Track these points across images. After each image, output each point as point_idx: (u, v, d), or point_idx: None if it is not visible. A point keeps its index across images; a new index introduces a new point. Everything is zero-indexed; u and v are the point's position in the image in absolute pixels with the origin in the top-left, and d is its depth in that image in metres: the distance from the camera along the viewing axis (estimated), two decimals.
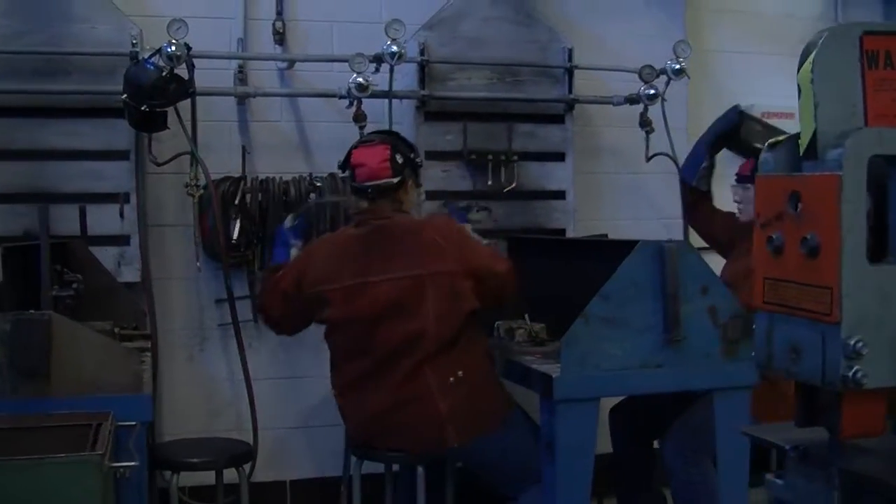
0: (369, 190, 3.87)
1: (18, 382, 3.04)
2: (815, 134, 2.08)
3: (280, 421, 5.04)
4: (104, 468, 2.48)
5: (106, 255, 4.53)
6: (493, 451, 3.78)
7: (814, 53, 2.06)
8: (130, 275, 4.65)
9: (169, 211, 4.97)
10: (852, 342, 2.08)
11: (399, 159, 3.88)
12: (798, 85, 2.14)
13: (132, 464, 2.49)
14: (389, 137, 4.02)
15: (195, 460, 4.01)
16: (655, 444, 4.60)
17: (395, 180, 3.86)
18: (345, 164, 4.00)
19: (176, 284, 4.98)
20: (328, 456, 4.99)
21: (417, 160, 4.03)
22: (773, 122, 5.96)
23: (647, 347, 3.64)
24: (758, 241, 2.13)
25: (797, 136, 2.15)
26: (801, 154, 2.11)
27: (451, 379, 3.70)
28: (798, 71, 2.14)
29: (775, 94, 6.18)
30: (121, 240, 4.65)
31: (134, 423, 3.03)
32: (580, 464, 3.57)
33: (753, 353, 2.26)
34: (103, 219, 4.57)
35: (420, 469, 3.87)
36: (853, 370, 2.07)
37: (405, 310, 3.72)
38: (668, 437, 4.26)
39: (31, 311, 3.08)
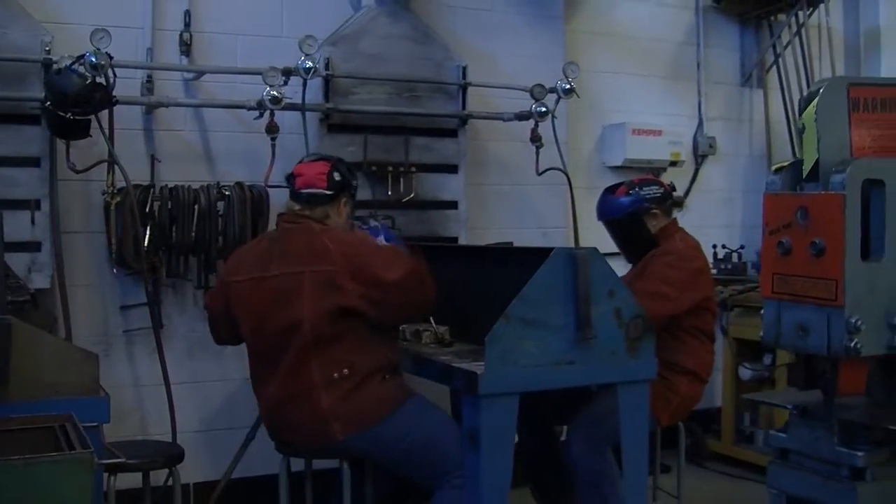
0: (302, 195, 4.08)
1: None
2: (817, 162, 2.80)
3: (187, 425, 5.10)
4: (94, 466, 2.57)
5: (16, 262, 4.51)
6: (383, 443, 3.94)
7: (817, 99, 2.94)
8: (41, 281, 4.65)
9: (73, 218, 4.97)
10: (853, 320, 3.00)
11: (336, 177, 4.11)
12: (803, 123, 2.75)
13: (120, 460, 2.60)
14: (332, 159, 4.23)
15: (132, 461, 4.06)
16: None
17: (328, 192, 4.08)
18: (289, 177, 4.19)
19: (81, 291, 4.98)
20: (228, 458, 5.10)
21: (353, 183, 4.23)
22: (643, 138, 6.45)
23: (561, 345, 3.89)
24: (767, 245, 2.88)
25: (796, 162, 2.86)
26: (804, 177, 2.89)
27: (336, 375, 3.87)
28: (801, 113, 2.78)
29: (644, 112, 6.67)
30: (31, 246, 4.65)
31: (95, 423, 3.14)
32: (502, 455, 3.79)
33: (762, 334, 2.96)
34: (13, 225, 4.53)
35: (345, 465, 4.04)
36: (854, 342, 3.00)
37: (285, 302, 3.91)
38: (572, 429, 4.56)
39: None
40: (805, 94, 6.71)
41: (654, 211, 4.80)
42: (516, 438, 3.92)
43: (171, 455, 4.36)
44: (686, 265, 4.65)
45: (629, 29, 6.76)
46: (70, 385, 3.19)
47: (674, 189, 5.03)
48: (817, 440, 3.33)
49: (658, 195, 4.83)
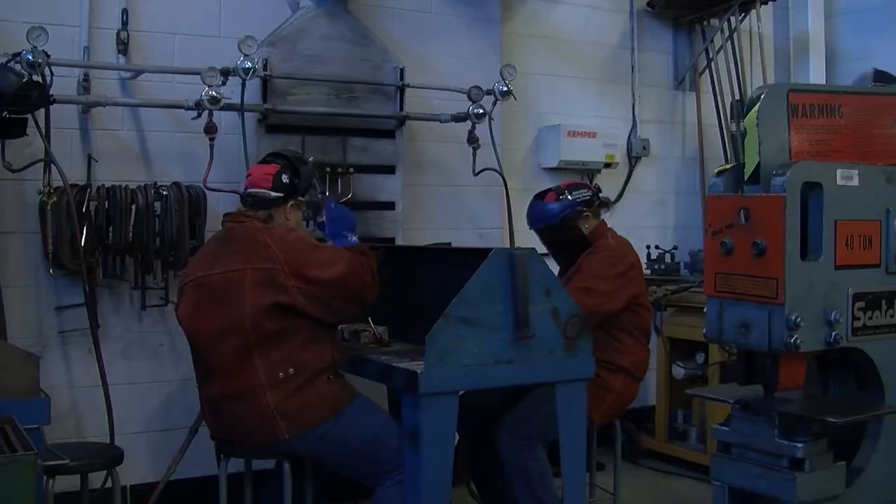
0: (247, 196, 4.08)
1: None
2: (758, 165, 2.94)
3: (124, 426, 5.06)
4: (38, 468, 2.56)
5: None
6: (329, 443, 3.96)
7: (758, 104, 3.12)
8: None
9: (8, 218, 4.92)
10: (793, 317, 3.17)
11: (284, 179, 4.11)
12: (745, 127, 2.90)
13: (63, 461, 2.58)
14: (284, 160, 4.21)
15: (70, 463, 4.02)
16: None
17: (273, 195, 4.09)
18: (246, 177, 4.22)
19: (14, 293, 4.91)
20: (166, 459, 5.07)
21: (305, 187, 4.22)
22: (577, 140, 6.53)
23: (499, 345, 3.94)
24: (709, 246, 3.01)
25: (737, 166, 3.01)
26: (745, 179, 3.05)
27: (281, 374, 3.88)
28: (743, 118, 2.93)
29: (579, 115, 6.76)
30: None
31: (36, 425, 3.12)
32: (443, 453, 3.84)
33: (704, 331, 3.11)
34: None
35: (286, 465, 4.06)
36: (794, 338, 3.18)
37: (227, 300, 3.92)
38: (501, 426, 4.60)
39: None
40: (737, 97, 6.92)
41: (586, 213, 4.89)
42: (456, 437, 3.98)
43: (110, 456, 4.33)
44: (620, 261, 4.74)
45: (565, 32, 6.84)
46: (9, 387, 3.16)
47: (599, 190, 5.12)
48: (758, 433, 3.47)
49: (587, 197, 4.91)
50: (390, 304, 4.43)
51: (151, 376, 5.28)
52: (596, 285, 4.61)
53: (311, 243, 4.06)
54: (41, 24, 4.46)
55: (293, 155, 4.27)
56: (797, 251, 3.22)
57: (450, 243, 5.19)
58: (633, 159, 7.13)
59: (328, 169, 5.34)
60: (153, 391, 5.30)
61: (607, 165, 6.82)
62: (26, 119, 4.32)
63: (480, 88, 5.59)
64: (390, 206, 5.62)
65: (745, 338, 3.33)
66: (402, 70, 5.58)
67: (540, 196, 5.01)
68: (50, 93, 4.40)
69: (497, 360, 3.94)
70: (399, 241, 5.59)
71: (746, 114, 3.20)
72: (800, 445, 3.37)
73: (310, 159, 4.38)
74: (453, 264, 4.43)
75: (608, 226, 5.00)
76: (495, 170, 5.81)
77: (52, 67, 4.51)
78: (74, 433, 5.04)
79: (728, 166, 3.35)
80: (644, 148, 7.12)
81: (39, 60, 4.28)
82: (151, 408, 5.30)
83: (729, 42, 7.13)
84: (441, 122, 5.78)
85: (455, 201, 6.17)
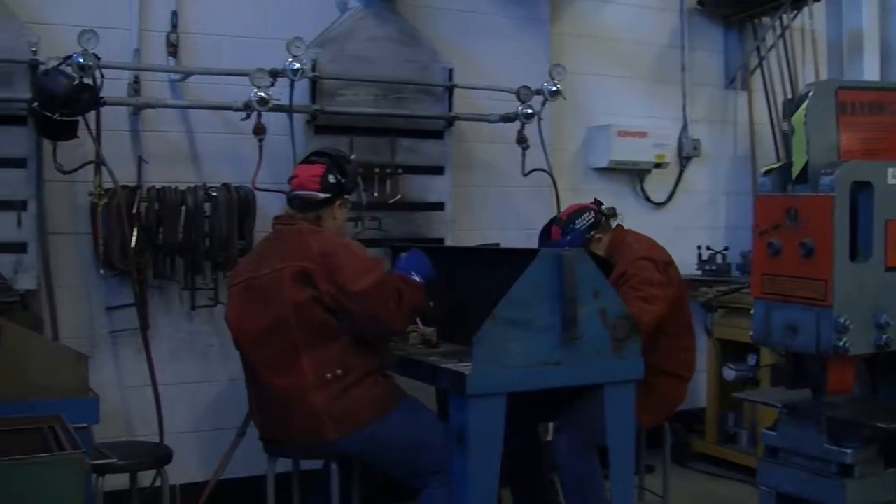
0: (295, 199, 4.08)
1: None
2: (806, 164, 2.85)
3: (173, 426, 5.09)
4: (85, 467, 2.58)
5: (2, 263, 4.52)
6: (376, 444, 3.95)
7: (806, 102, 2.96)
8: (27, 282, 4.65)
9: (60, 219, 4.97)
10: (842, 320, 3.08)
11: (331, 179, 4.11)
12: (792, 126, 2.80)
13: (110, 461, 2.60)
14: (329, 159, 4.20)
15: (118, 462, 4.06)
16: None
17: (321, 196, 4.09)
18: (291, 178, 4.21)
19: (66, 293, 4.98)
20: (215, 459, 5.09)
21: (352, 184, 4.23)
22: (627, 140, 6.48)
23: (547, 346, 3.92)
24: (757, 246, 2.91)
25: (785, 165, 2.91)
26: (793, 179, 2.93)
27: (329, 375, 3.87)
28: (791, 116, 2.84)
29: (629, 114, 6.70)
30: (17, 247, 4.64)
31: (84, 424, 3.14)
32: (489, 454, 3.82)
33: (751, 333, 3.02)
34: None
35: (333, 465, 4.06)
36: (842, 341, 3.09)
37: (270, 299, 3.94)
38: (559, 431, 4.57)
39: None
40: (789, 96, 6.81)
41: (597, 236, 4.81)
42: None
43: (160, 456, 4.37)
44: (657, 264, 4.66)
45: (614, 31, 6.79)
46: (59, 386, 3.19)
47: (601, 203, 4.96)
48: (806, 438, 3.40)
49: (591, 221, 4.81)
50: (439, 304, 4.42)
51: (201, 376, 5.32)
52: (651, 292, 4.54)
53: (353, 251, 4.01)
54: (92, 28, 4.51)
55: (337, 153, 4.27)
56: (846, 252, 3.14)
57: (498, 244, 5.18)
58: (684, 159, 7.06)
59: (377, 170, 5.36)
60: (203, 391, 5.34)
61: (657, 165, 6.76)
62: (77, 121, 4.37)
63: (529, 88, 5.57)
64: (439, 206, 5.61)
65: (792, 340, 3.25)
66: (450, 70, 5.57)
67: (546, 235, 4.94)
68: (100, 95, 4.44)
69: (545, 362, 3.93)
70: (448, 242, 5.58)
71: (794, 112, 3.12)
72: (849, 451, 3.29)
73: (352, 157, 4.37)
74: (502, 265, 4.41)
75: (626, 227, 4.93)
76: (544, 170, 5.79)
77: (103, 70, 4.56)
78: (125, 432, 5.08)
79: (776, 165, 3.25)
80: (695, 148, 7.05)
81: (90, 63, 4.33)
82: (201, 408, 5.34)
83: (781, 40, 7.04)
84: (490, 122, 5.77)
85: (504, 202, 6.15)
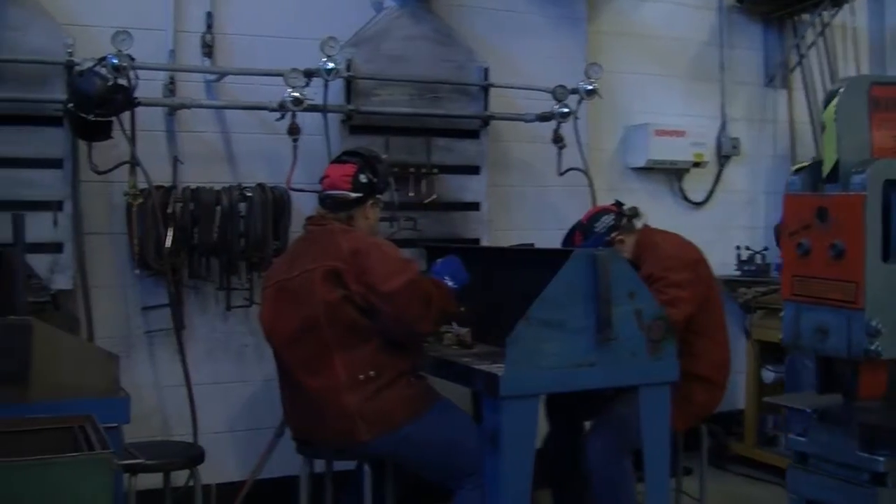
0: (326, 199, 4.07)
1: None
2: (837, 162, 2.71)
3: (209, 426, 5.11)
4: (113, 466, 2.57)
5: (38, 263, 4.53)
6: (409, 445, 3.93)
7: (836, 98, 2.78)
8: (63, 282, 4.68)
9: (95, 219, 4.99)
10: (873, 323, 2.95)
11: (363, 178, 4.10)
12: (822, 123, 2.68)
13: (138, 461, 2.60)
14: (360, 158, 4.18)
15: (153, 462, 4.08)
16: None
17: (353, 195, 4.08)
18: (322, 178, 4.21)
19: (102, 293, 4.99)
20: (251, 458, 5.12)
21: (383, 184, 4.21)
22: (665, 139, 6.42)
23: (581, 347, 3.88)
24: (787, 246, 2.75)
25: (816, 163, 2.77)
26: (824, 178, 2.77)
27: (362, 376, 3.86)
28: (823, 110, 2.71)
29: (666, 113, 6.63)
30: (53, 247, 4.67)
31: (115, 424, 3.14)
32: (523, 456, 3.79)
33: (781, 336, 2.87)
34: (34, 227, 4.52)
35: (366, 467, 4.05)
36: (874, 345, 2.95)
37: (302, 300, 3.92)
38: (592, 434, 4.53)
39: (12, 318, 3.13)
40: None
41: (619, 238, 4.73)
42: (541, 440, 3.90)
43: (192, 456, 4.39)
44: (685, 263, 4.59)
45: (651, 29, 6.73)
46: (90, 386, 3.19)
47: (622, 204, 4.87)
48: (837, 444, 3.28)
49: (612, 223, 4.74)
50: (474, 305, 4.39)
51: (236, 376, 5.33)
52: (677, 294, 4.47)
53: (384, 251, 3.98)
54: (128, 29, 4.53)
55: (368, 152, 4.25)
56: (878, 253, 3.00)
57: (533, 244, 5.13)
58: (723, 158, 6.99)
59: (412, 170, 5.34)
60: (238, 391, 5.34)
61: (696, 165, 6.69)
62: (111, 122, 4.39)
63: (565, 87, 5.53)
64: (475, 206, 5.58)
65: (822, 344, 3.11)
66: (486, 70, 5.54)
67: (570, 240, 4.87)
68: (134, 96, 4.45)
69: (579, 363, 3.89)
70: (484, 242, 5.56)
71: (825, 108, 3.01)
72: (881, 459, 3.15)
73: (384, 156, 4.35)
74: (536, 265, 4.37)
75: (650, 227, 4.86)
76: (580, 169, 5.74)
77: (138, 71, 4.57)
78: (161, 432, 5.10)
79: (806, 163, 3.11)
80: (734, 147, 6.97)
81: (124, 64, 4.35)
82: (236, 407, 5.35)
83: (821, 37, 6.94)
84: (526, 121, 5.74)
85: (541, 202, 6.11)
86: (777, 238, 5.40)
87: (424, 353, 4.23)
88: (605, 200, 5.70)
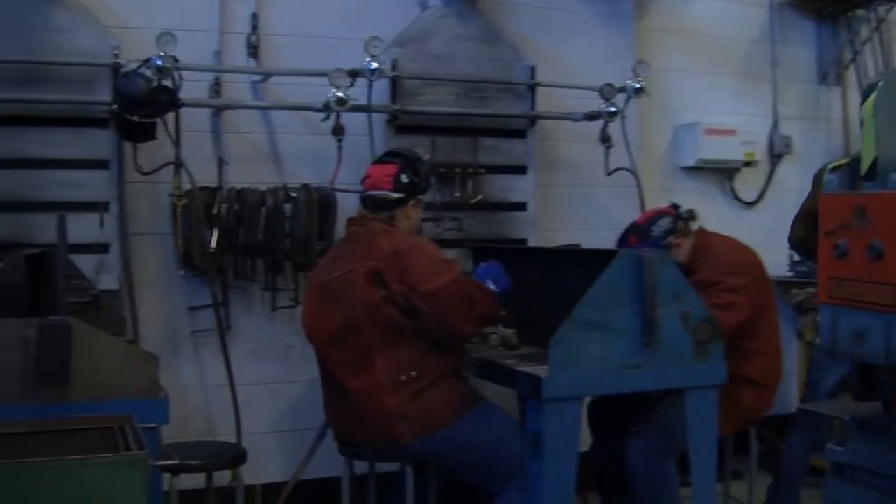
0: (367, 199, 4.06)
1: (39, 387, 3.11)
2: (876, 159, 2.55)
3: (254, 426, 5.12)
4: (148, 467, 2.57)
5: (84, 264, 4.55)
6: (450, 447, 3.90)
7: (875, 93, 2.59)
8: (109, 283, 4.70)
9: (139, 220, 5.02)
10: None
11: (404, 179, 4.07)
12: (861, 118, 2.55)
13: (173, 462, 2.60)
14: (402, 159, 4.16)
15: (193, 462, 4.08)
16: None
17: (394, 196, 4.06)
18: (364, 178, 4.19)
19: (148, 293, 5.02)
20: (295, 459, 5.12)
21: (425, 184, 4.18)
22: (716, 138, 6.32)
23: (626, 349, 3.83)
24: (823, 247, 2.61)
25: (854, 160, 2.62)
26: (862, 175, 2.61)
27: (403, 377, 3.83)
28: (861, 105, 2.57)
29: (717, 112, 6.54)
30: (99, 248, 4.70)
31: (154, 425, 3.14)
32: (566, 459, 3.75)
33: (818, 340, 2.72)
34: (81, 227, 4.57)
35: (408, 468, 4.03)
36: None
37: (343, 300, 3.91)
38: (635, 436, 4.46)
39: (53, 318, 3.14)
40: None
41: (676, 242, 4.65)
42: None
43: (234, 456, 4.39)
44: (741, 268, 4.51)
45: (701, 26, 6.63)
46: (130, 386, 3.19)
47: (677, 207, 4.78)
48: (876, 454, 3.09)
49: (669, 226, 4.65)
50: (520, 306, 4.35)
51: (281, 377, 5.33)
52: (732, 299, 4.39)
53: (425, 251, 3.97)
54: (174, 31, 4.54)
55: (410, 153, 4.22)
56: None
57: (579, 244, 5.08)
58: (775, 157, 6.87)
59: (458, 169, 5.31)
60: (283, 391, 5.34)
61: (747, 164, 6.58)
62: (155, 123, 4.41)
63: (612, 86, 5.47)
64: (522, 206, 5.54)
65: (860, 349, 2.93)
66: (533, 69, 5.50)
67: (623, 240, 4.78)
68: (178, 97, 4.47)
69: (623, 365, 3.84)
70: (532, 243, 5.51)
71: (863, 102, 2.87)
72: None
73: (426, 156, 4.32)
74: (582, 266, 4.32)
75: (707, 230, 4.77)
76: (628, 169, 5.68)
77: (183, 72, 4.58)
78: (206, 432, 5.11)
79: (844, 160, 2.94)
80: (786, 146, 6.85)
81: (168, 65, 4.36)
82: (281, 408, 5.35)
83: (876, 33, 6.81)
84: (573, 120, 5.68)
85: (589, 202, 6.05)
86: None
87: (467, 354, 4.19)
88: (654, 201, 5.65)
